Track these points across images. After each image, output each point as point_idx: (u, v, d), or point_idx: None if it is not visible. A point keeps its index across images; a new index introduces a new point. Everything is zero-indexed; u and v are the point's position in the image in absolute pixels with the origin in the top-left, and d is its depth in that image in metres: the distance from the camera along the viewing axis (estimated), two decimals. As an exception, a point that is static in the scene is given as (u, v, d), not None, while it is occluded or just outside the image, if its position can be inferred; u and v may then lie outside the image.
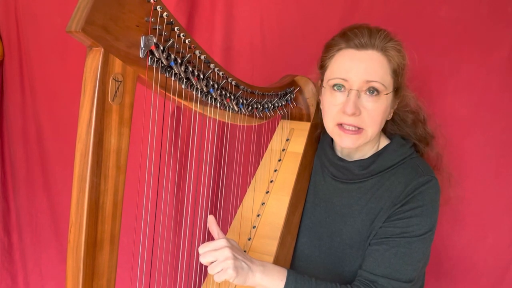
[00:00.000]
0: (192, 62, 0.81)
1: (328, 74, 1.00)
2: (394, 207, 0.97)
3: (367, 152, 1.05)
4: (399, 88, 1.00)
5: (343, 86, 0.97)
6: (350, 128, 0.97)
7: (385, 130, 1.10)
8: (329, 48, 1.00)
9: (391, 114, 1.04)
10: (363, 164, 1.03)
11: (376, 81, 0.94)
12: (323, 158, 1.13)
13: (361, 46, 0.95)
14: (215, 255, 0.83)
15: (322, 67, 1.03)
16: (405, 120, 1.08)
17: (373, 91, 0.94)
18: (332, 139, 1.10)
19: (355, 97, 0.94)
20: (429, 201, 0.95)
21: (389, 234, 0.95)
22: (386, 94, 0.96)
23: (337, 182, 1.08)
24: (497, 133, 1.26)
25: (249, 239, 1.07)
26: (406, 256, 0.93)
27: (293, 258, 1.10)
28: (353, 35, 0.95)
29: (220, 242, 0.85)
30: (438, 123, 1.13)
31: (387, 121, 1.07)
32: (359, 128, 0.97)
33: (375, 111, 0.96)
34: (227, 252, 0.83)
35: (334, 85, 0.98)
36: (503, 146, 1.26)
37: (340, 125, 0.98)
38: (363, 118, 0.96)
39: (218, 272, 0.83)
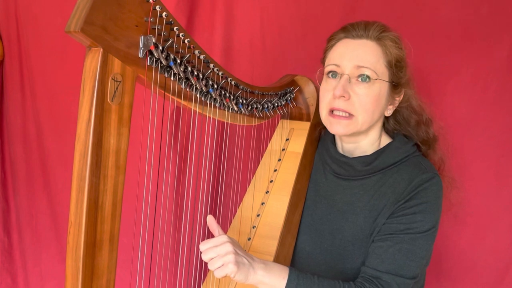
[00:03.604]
0: (192, 62, 0.81)
1: (326, 62, 1.04)
2: (397, 203, 0.97)
3: (367, 149, 1.06)
4: (399, 84, 1.01)
5: (336, 72, 1.00)
6: (340, 113, 0.99)
7: (387, 130, 1.10)
8: (330, 40, 1.05)
9: (390, 111, 1.04)
10: (366, 160, 1.04)
11: (366, 67, 0.96)
12: (325, 155, 1.13)
13: (357, 36, 0.99)
14: (216, 250, 0.83)
15: (323, 58, 1.07)
16: (409, 121, 1.08)
17: (364, 78, 0.97)
18: (334, 136, 1.11)
19: (345, 81, 0.97)
20: (432, 197, 0.96)
21: (393, 231, 0.95)
22: (377, 79, 0.97)
23: (339, 179, 1.08)
24: (497, 133, 1.26)
25: (249, 239, 1.06)
26: (410, 252, 0.93)
27: (294, 256, 1.10)
28: (351, 27, 1.00)
29: (221, 238, 0.85)
30: (441, 125, 1.12)
31: (389, 120, 1.07)
32: (349, 114, 0.99)
33: (366, 97, 0.97)
34: (229, 247, 0.83)
35: (329, 72, 1.02)
36: (503, 146, 1.26)
37: (332, 112, 1.01)
38: (353, 103, 0.98)
39: (219, 267, 0.82)
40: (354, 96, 0.97)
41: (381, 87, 0.98)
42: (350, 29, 1.00)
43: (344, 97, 0.97)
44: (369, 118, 0.99)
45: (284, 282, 0.88)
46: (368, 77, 0.96)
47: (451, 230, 1.32)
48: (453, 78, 1.29)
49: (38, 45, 1.81)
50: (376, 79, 0.97)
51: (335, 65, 1.00)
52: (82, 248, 0.65)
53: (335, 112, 1.00)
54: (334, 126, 1.01)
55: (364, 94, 0.97)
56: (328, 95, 1.01)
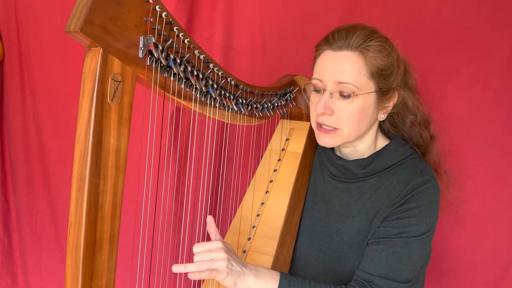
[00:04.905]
0: (191, 62, 0.81)
1: (313, 74, 1.02)
2: (392, 206, 0.96)
3: (364, 152, 1.05)
4: (389, 89, 0.99)
5: (319, 88, 0.99)
6: (327, 127, 0.99)
7: (384, 131, 1.09)
8: (316, 49, 1.03)
9: (384, 115, 1.02)
10: (362, 163, 1.03)
11: (347, 83, 0.94)
12: (323, 157, 1.13)
13: (338, 48, 0.96)
14: (210, 255, 0.83)
15: (312, 66, 1.05)
16: (404, 121, 1.07)
17: (345, 95, 0.95)
18: None
19: (326, 98, 0.96)
20: (428, 201, 0.95)
21: (387, 234, 0.95)
22: (361, 94, 0.95)
23: (337, 182, 1.08)
24: (497, 133, 1.26)
25: (249, 239, 1.06)
26: (403, 256, 0.93)
27: (292, 258, 1.10)
28: (332, 37, 0.97)
29: (216, 243, 0.85)
30: (438, 125, 1.11)
31: (385, 122, 1.07)
32: (334, 128, 0.98)
33: (348, 112, 0.96)
34: (222, 254, 0.84)
35: (314, 85, 1.01)
36: (503, 146, 1.26)
37: (320, 125, 1.00)
38: (337, 117, 0.97)
39: (209, 270, 0.82)
40: (338, 111, 0.96)
41: (365, 100, 0.96)
42: (331, 41, 0.97)
43: (326, 113, 0.97)
44: (355, 130, 0.99)
45: (275, 287, 0.88)
46: (348, 94, 0.95)
47: (451, 230, 1.32)
48: (453, 78, 1.29)
49: (38, 45, 1.82)
50: (360, 94, 0.95)
51: (318, 80, 0.98)
52: (82, 248, 0.65)
53: (323, 126, 1.00)
54: (321, 138, 1.02)
55: (346, 109, 0.96)
56: (314, 109, 1.00)
